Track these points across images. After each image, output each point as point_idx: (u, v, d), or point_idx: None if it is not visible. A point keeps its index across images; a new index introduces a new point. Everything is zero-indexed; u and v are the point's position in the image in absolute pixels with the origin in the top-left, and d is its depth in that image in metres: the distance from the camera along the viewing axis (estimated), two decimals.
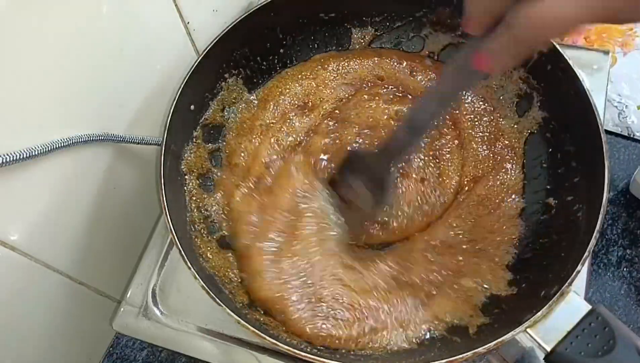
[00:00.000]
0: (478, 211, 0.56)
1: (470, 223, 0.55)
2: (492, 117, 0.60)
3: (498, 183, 0.57)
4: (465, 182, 0.58)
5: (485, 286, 0.52)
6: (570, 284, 0.43)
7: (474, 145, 0.59)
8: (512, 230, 0.55)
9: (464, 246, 0.54)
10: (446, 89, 0.44)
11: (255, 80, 0.65)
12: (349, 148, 0.59)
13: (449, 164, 0.58)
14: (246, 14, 0.59)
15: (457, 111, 0.61)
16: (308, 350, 0.46)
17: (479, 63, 0.34)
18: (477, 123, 0.60)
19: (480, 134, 0.60)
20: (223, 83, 0.62)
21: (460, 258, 0.53)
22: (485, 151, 0.59)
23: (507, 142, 0.59)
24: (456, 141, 0.59)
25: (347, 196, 0.55)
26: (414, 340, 0.50)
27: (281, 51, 0.66)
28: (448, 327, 0.50)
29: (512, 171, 0.58)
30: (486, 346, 0.42)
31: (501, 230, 0.54)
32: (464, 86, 0.48)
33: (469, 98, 0.61)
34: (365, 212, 0.55)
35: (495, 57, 0.33)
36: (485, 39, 0.33)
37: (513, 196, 0.56)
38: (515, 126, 0.60)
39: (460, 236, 0.55)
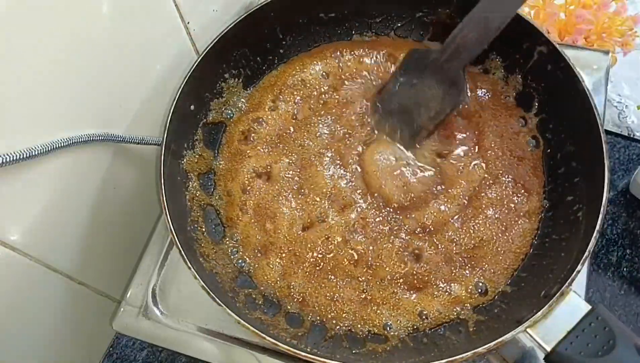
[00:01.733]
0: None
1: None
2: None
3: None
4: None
5: (485, 285, 0.52)
6: (570, 284, 0.43)
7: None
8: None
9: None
10: None
11: (255, 80, 0.65)
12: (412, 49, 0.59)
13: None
14: (246, 14, 0.59)
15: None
16: (308, 350, 0.46)
17: None
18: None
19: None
20: (223, 83, 0.62)
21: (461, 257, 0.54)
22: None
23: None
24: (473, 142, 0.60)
25: (412, 96, 0.56)
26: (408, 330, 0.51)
27: (281, 51, 0.66)
28: (446, 322, 0.51)
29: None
30: (486, 346, 0.42)
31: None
32: None
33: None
34: (427, 116, 0.56)
35: None
36: None
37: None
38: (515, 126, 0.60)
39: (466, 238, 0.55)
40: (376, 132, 0.60)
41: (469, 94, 0.55)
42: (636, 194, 0.66)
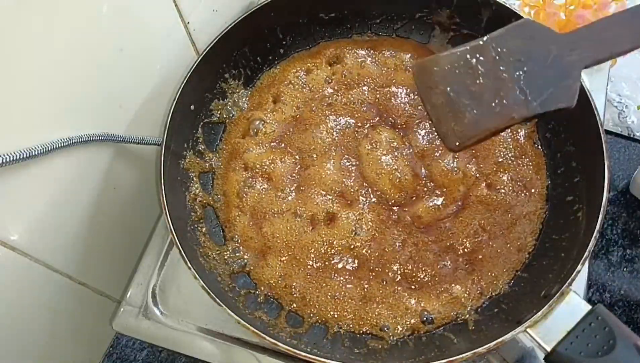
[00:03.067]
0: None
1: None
2: None
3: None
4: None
5: (485, 285, 0.52)
6: (570, 284, 0.43)
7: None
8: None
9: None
10: None
11: (255, 80, 0.65)
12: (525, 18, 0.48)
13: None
14: (246, 14, 0.59)
15: None
16: (308, 350, 0.46)
17: None
18: None
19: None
20: (223, 83, 0.62)
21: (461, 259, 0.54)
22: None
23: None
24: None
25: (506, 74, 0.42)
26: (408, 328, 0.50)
27: (281, 50, 0.66)
28: (446, 322, 0.51)
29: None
30: (486, 346, 0.42)
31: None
32: None
33: None
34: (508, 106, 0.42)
35: None
36: None
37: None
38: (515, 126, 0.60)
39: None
40: (381, 132, 0.59)
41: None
42: (636, 195, 0.67)
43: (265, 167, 0.59)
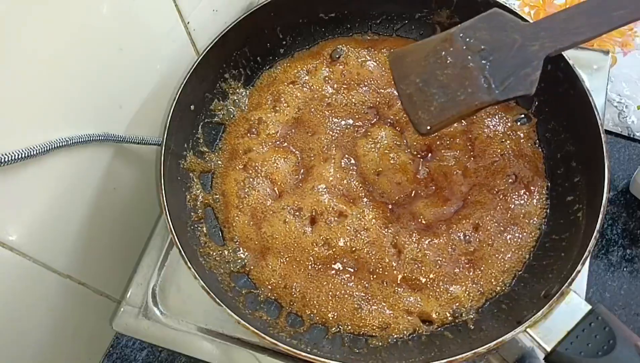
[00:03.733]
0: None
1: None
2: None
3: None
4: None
5: (485, 285, 0.52)
6: (570, 284, 0.43)
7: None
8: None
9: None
10: None
11: (255, 80, 0.65)
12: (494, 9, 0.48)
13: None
14: (246, 13, 0.59)
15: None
16: (308, 350, 0.46)
17: None
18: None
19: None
20: (223, 83, 0.62)
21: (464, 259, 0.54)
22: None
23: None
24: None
25: (471, 63, 0.45)
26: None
27: (281, 50, 0.66)
28: (446, 322, 0.51)
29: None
30: (486, 346, 0.42)
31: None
32: None
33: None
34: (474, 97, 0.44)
35: None
36: None
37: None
38: (514, 126, 0.60)
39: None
40: (382, 132, 0.58)
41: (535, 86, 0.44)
42: (636, 194, 0.66)
43: (265, 167, 0.59)
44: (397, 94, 0.47)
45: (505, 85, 0.44)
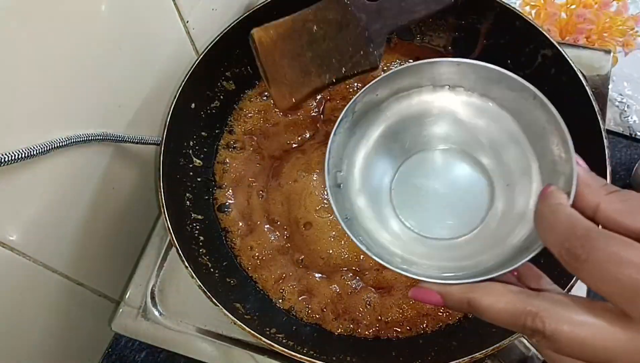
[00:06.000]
0: None
1: None
2: None
3: None
4: None
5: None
6: (570, 289, 0.43)
7: None
8: None
9: None
10: None
11: (256, 79, 0.65)
12: None
13: None
14: (247, 13, 0.59)
15: None
16: (304, 351, 0.45)
17: None
18: None
19: None
20: (224, 82, 0.62)
21: None
22: None
23: None
24: None
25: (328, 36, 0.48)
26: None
27: None
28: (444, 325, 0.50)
29: None
30: (483, 351, 0.42)
31: None
32: None
33: None
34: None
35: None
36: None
37: None
38: None
39: None
40: None
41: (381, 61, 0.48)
42: (636, 188, 0.66)
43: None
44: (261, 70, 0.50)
45: (351, 62, 0.48)
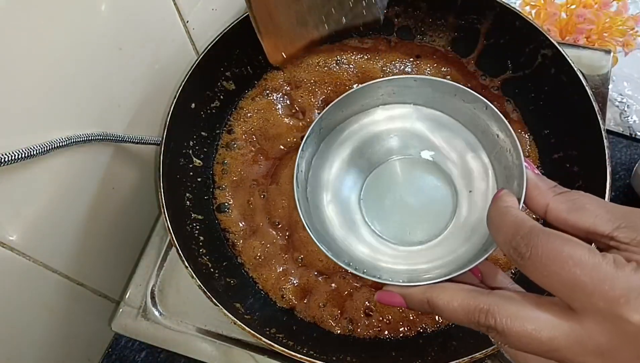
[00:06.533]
0: None
1: None
2: None
3: None
4: None
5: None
6: None
7: None
8: None
9: None
10: None
11: (257, 78, 0.65)
12: None
13: None
14: (247, 13, 0.59)
15: None
16: (304, 351, 0.45)
17: None
18: None
19: None
20: (224, 82, 0.62)
21: None
22: None
23: None
24: None
25: None
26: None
27: None
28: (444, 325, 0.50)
29: None
30: (483, 351, 0.42)
31: None
32: None
33: None
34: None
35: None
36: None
37: None
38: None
39: None
40: None
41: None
42: (636, 188, 0.66)
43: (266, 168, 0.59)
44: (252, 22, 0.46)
45: (353, 12, 0.43)
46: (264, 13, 0.45)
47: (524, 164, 0.33)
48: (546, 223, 0.29)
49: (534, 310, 0.27)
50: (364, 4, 0.43)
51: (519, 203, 0.31)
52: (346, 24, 0.43)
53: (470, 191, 0.40)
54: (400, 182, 0.43)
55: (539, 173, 0.33)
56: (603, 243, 0.26)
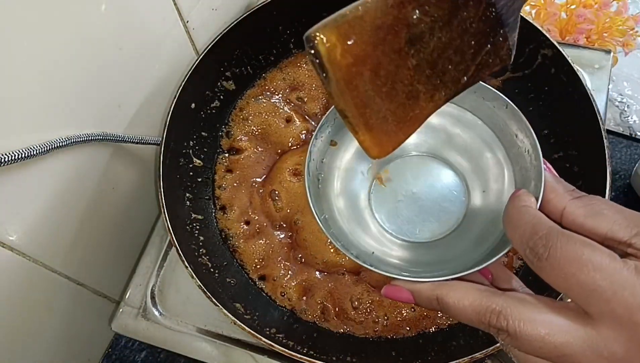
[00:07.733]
0: None
1: None
2: None
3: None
4: None
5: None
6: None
7: None
8: None
9: None
10: None
11: (257, 78, 0.65)
12: None
13: None
14: (247, 12, 0.59)
15: None
16: (304, 351, 0.45)
17: None
18: None
19: None
20: (224, 82, 0.62)
21: None
22: None
23: None
24: None
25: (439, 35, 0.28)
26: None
27: (284, 49, 0.65)
28: (445, 325, 0.50)
29: None
30: (483, 351, 0.42)
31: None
32: None
33: None
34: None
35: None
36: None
37: None
38: None
39: None
40: None
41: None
42: (636, 188, 0.66)
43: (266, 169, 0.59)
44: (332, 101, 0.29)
45: (477, 61, 0.30)
46: (354, 91, 0.28)
47: (543, 166, 0.32)
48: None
49: (548, 314, 0.26)
50: (490, 47, 0.30)
51: (537, 203, 0.30)
52: (466, 82, 0.30)
53: (484, 191, 0.39)
54: (412, 178, 0.42)
55: (557, 175, 0.32)
56: (620, 250, 0.26)
